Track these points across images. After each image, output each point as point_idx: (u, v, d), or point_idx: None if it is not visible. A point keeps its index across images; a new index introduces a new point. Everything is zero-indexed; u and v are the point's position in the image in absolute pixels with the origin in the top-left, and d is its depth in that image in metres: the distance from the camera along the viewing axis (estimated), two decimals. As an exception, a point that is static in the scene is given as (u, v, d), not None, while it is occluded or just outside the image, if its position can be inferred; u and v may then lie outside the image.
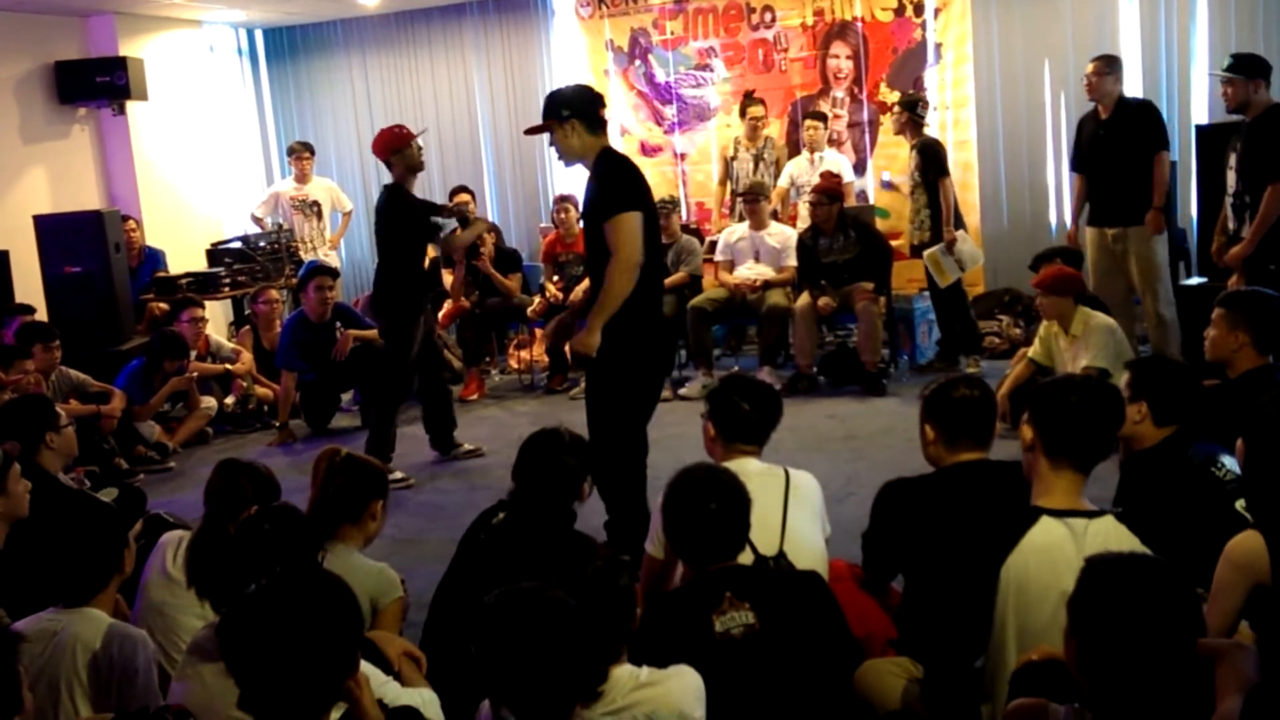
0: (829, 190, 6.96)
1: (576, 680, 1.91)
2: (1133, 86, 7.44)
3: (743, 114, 8.00)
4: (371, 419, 5.77)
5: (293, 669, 1.73)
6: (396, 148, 5.62)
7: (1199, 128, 6.80)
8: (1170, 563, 1.83)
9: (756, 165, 7.84)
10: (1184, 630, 1.75)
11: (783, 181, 7.74)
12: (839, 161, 7.73)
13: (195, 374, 6.70)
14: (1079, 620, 1.80)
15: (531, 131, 4.12)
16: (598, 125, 4.00)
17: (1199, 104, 7.48)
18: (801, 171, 7.66)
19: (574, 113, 3.95)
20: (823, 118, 7.86)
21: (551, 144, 4.06)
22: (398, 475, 5.55)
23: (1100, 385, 2.45)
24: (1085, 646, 1.78)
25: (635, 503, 3.92)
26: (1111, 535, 2.25)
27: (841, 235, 6.90)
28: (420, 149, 5.72)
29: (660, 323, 4.22)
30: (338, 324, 6.88)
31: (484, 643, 1.90)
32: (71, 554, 2.48)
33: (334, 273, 7.18)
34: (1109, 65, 5.94)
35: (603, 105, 4.08)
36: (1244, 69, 5.35)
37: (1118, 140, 5.86)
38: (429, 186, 9.74)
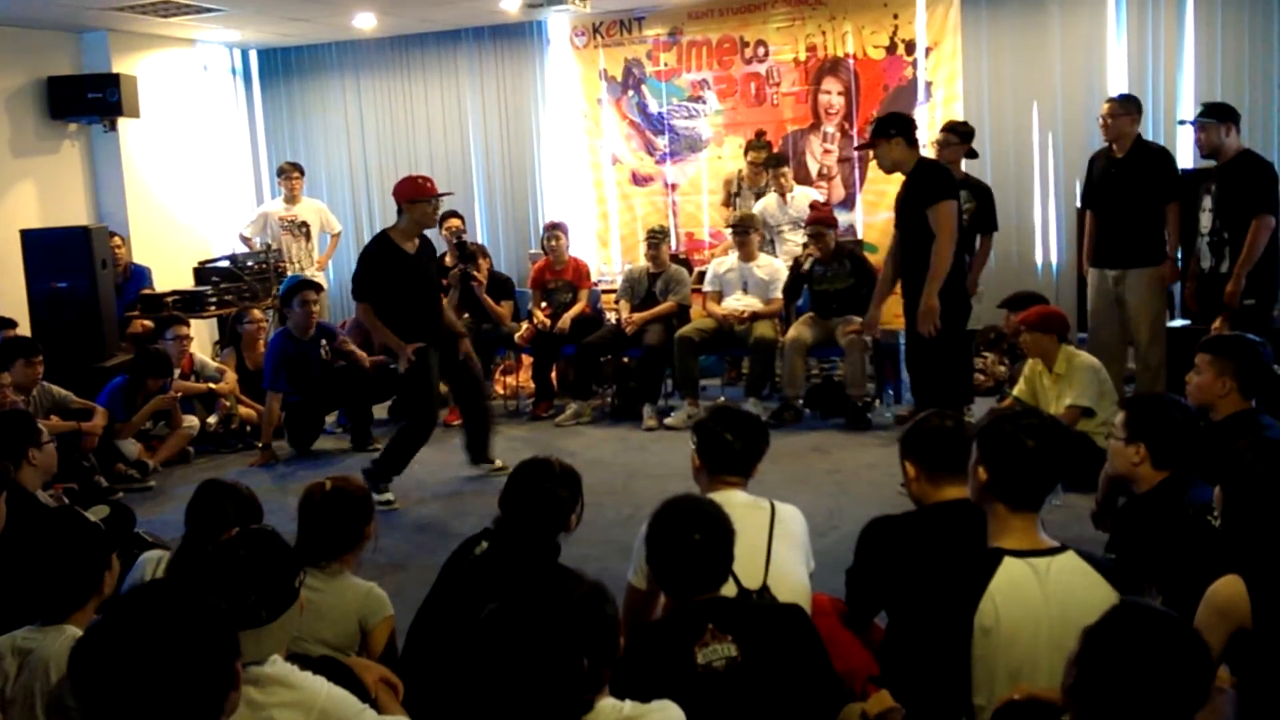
0: (825, 220, 7.04)
1: (564, 703, 1.90)
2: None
3: (746, 152, 8.07)
4: (391, 441, 5.76)
5: (153, 698, 1.59)
6: (410, 197, 5.56)
7: (1184, 172, 6.86)
8: (1183, 619, 1.82)
9: (757, 200, 7.90)
10: (1195, 687, 1.75)
11: (755, 209, 7.77)
12: (810, 196, 7.79)
13: (178, 393, 6.67)
14: (1088, 662, 1.79)
15: (861, 148, 5.23)
16: (913, 142, 5.20)
17: (1184, 149, 7.55)
18: (773, 212, 7.71)
19: (899, 131, 5.11)
20: (787, 161, 7.95)
21: (874, 155, 5.30)
22: (388, 497, 5.57)
23: (1052, 426, 2.42)
24: (1088, 695, 1.77)
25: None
26: (1075, 572, 2.24)
27: (836, 263, 6.95)
28: (436, 209, 5.68)
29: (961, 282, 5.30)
30: (322, 340, 6.90)
31: (477, 660, 1.89)
32: (52, 571, 2.45)
33: (317, 287, 7.21)
34: (1124, 106, 5.84)
35: (916, 126, 5.34)
36: (1215, 114, 5.50)
37: (1128, 182, 5.79)
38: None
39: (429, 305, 5.72)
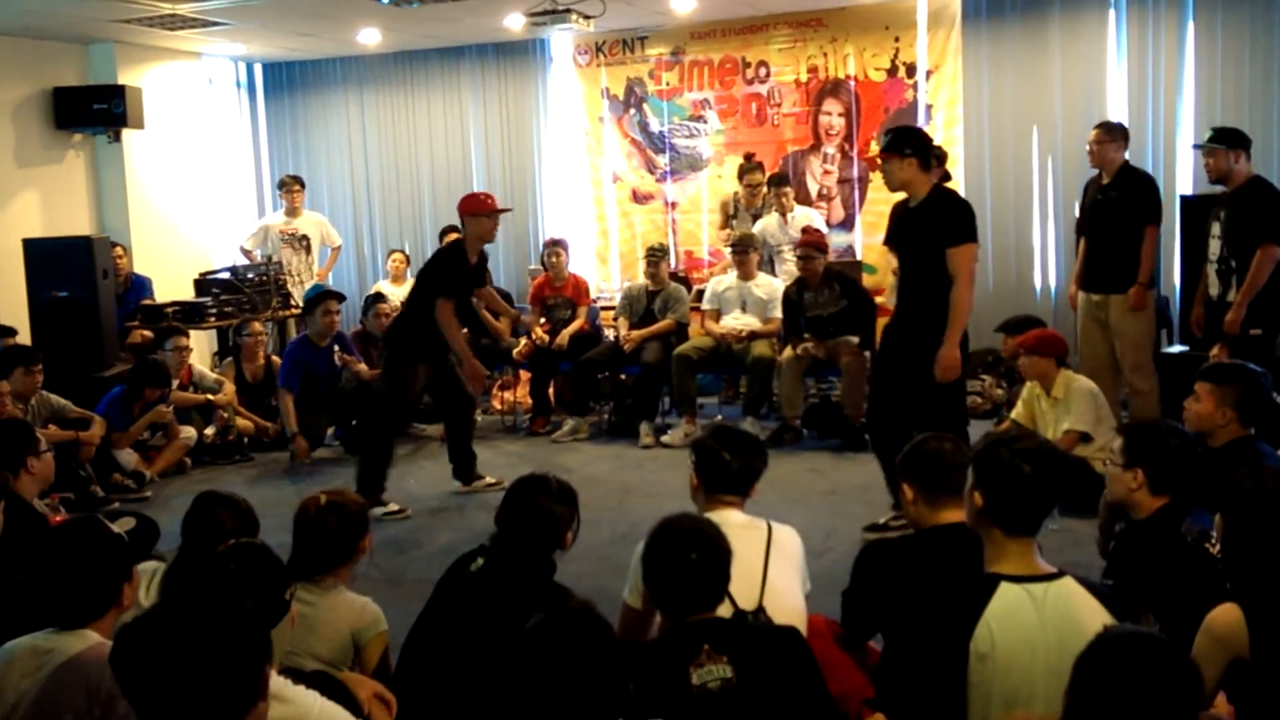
0: (816, 244, 7.02)
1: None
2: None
3: (740, 176, 8.06)
4: (361, 455, 5.82)
5: (189, 696, 1.67)
6: (472, 211, 5.78)
7: (1184, 198, 6.89)
8: (1177, 645, 1.82)
9: (754, 223, 7.91)
10: (1184, 708, 1.75)
11: (755, 229, 7.77)
12: (811, 216, 7.80)
13: (172, 405, 6.66)
14: (1080, 690, 1.79)
15: (884, 156, 4.85)
16: (927, 165, 4.84)
17: (1184, 174, 7.59)
18: (774, 232, 7.72)
19: (914, 152, 4.76)
20: (788, 181, 7.94)
21: (882, 169, 4.91)
22: (393, 507, 5.65)
23: (1047, 450, 2.41)
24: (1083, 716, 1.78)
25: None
26: (1073, 598, 2.24)
27: (826, 289, 6.94)
28: (494, 224, 5.81)
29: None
30: (335, 347, 7.05)
31: (516, 670, 1.90)
32: (72, 578, 2.45)
33: (340, 297, 7.35)
34: (1110, 133, 5.90)
35: (932, 148, 4.98)
36: (1225, 140, 5.46)
37: (1113, 208, 5.84)
38: (419, 226, 9.81)
39: (463, 315, 5.87)
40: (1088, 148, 5.98)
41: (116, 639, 1.75)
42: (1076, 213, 7.81)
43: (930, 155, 4.91)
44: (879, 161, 5.16)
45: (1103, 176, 5.92)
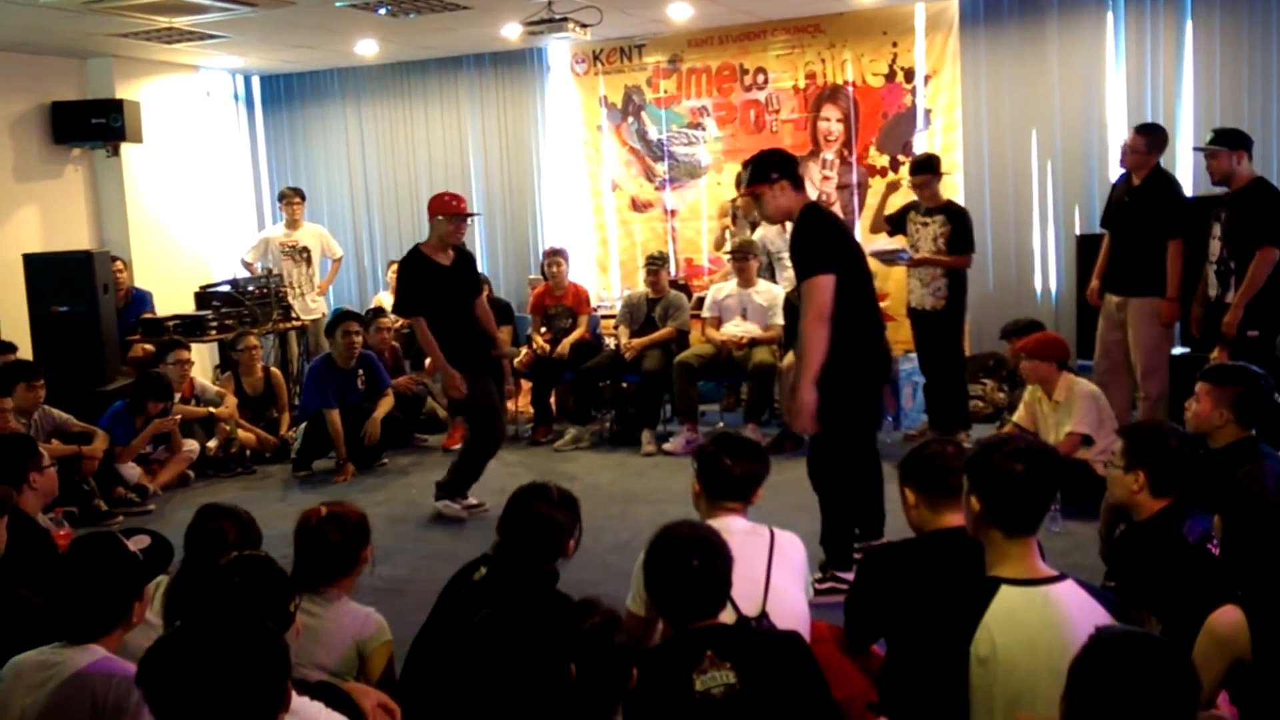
0: None
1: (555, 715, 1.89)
2: (1115, 158, 7.55)
3: (739, 184, 8.01)
4: (459, 457, 5.90)
5: (218, 713, 1.73)
6: (435, 212, 5.73)
7: (1190, 199, 6.86)
8: (1173, 643, 1.83)
9: (753, 230, 7.91)
10: (1181, 704, 1.76)
11: (755, 236, 7.76)
12: None
13: (179, 416, 6.67)
14: (1077, 692, 1.79)
15: (748, 192, 4.41)
16: (799, 184, 4.32)
17: (1184, 177, 7.56)
18: (773, 238, 7.71)
19: (782, 174, 4.27)
20: None
21: (757, 205, 4.40)
22: (470, 502, 5.77)
23: (1039, 447, 2.40)
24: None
25: (846, 521, 4.51)
26: (1075, 600, 2.24)
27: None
28: (455, 228, 5.70)
29: (872, 358, 4.31)
30: (360, 371, 6.97)
31: (464, 667, 1.90)
32: (84, 593, 2.46)
33: (362, 319, 7.28)
34: (1148, 141, 5.79)
35: (798, 164, 4.43)
36: (1226, 141, 5.43)
37: (1139, 211, 5.79)
38: (419, 237, 9.75)
39: (465, 318, 5.77)
40: (1124, 148, 5.92)
41: (144, 660, 1.78)
42: (1077, 216, 7.87)
43: (797, 169, 4.41)
44: (741, 201, 4.87)
45: (1133, 178, 5.87)
